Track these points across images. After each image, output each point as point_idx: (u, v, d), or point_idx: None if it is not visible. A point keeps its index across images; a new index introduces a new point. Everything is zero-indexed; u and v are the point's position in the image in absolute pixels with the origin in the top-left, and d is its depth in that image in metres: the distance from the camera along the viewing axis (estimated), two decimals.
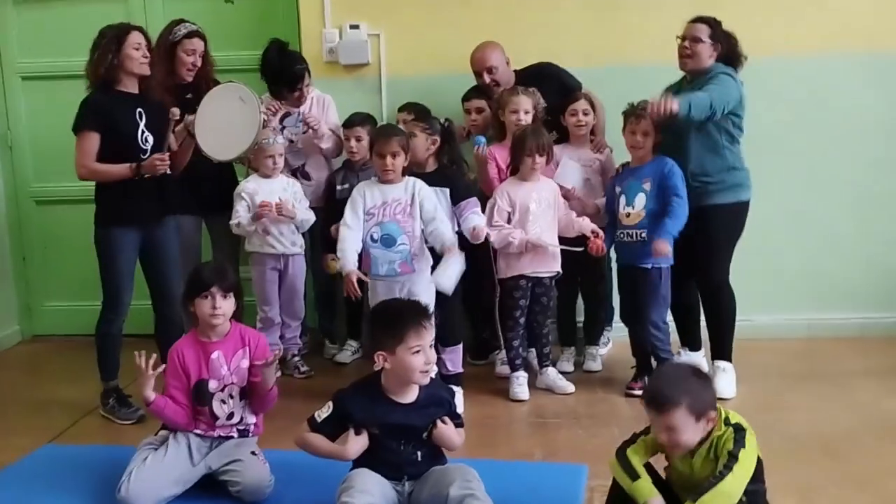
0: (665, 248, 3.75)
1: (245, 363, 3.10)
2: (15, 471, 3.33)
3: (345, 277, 3.67)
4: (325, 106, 4.52)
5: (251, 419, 3.17)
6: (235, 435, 3.12)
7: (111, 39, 3.71)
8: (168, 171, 3.78)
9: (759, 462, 2.45)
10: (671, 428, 2.40)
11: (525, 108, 4.12)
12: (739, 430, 2.44)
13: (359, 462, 2.77)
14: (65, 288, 5.29)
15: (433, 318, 2.81)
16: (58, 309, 5.34)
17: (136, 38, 3.72)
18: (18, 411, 4.10)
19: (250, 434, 3.15)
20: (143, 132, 3.77)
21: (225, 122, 3.86)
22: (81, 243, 5.08)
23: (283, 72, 4.39)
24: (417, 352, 2.69)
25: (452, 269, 3.61)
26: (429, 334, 2.72)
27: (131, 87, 3.79)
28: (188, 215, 4.32)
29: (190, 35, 4.23)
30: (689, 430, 2.40)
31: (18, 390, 4.48)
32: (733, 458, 2.38)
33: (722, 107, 3.74)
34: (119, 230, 3.81)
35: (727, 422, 2.46)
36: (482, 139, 4.11)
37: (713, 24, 3.90)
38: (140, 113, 3.77)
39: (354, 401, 2.79)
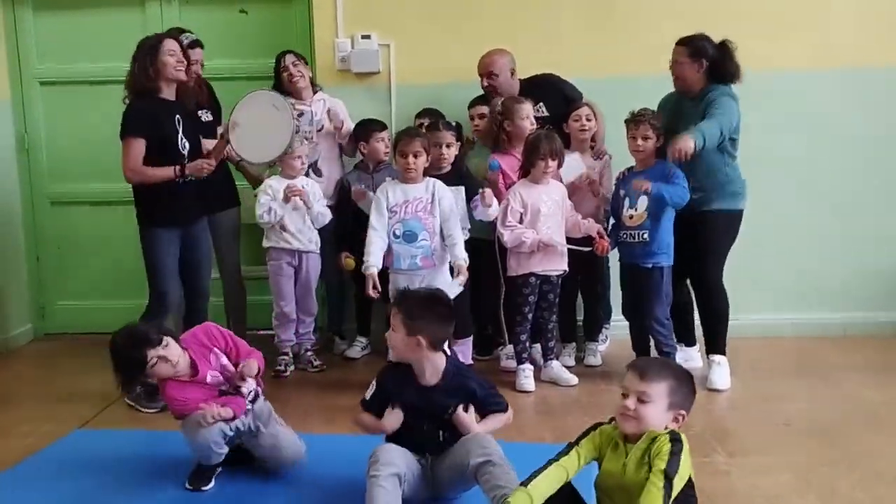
0: (646, 185, 3.94)
1: (223, 358, 3.13)
2: (50, 453, 3.49)
3: (366, 277, 3.89)
4: (335, 108, 4.68)
5: (251, 385, 3.16)
6: (251, 406, 3.15)
7: (147, 50, 3.88)
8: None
9: (690, 481, 2.37)
10: (644, 397, 2.35)
11: (530, 113, 4.36)
12: (676, 442, 2.33)
13: (387, 439, 2.93)
14: (77, 288, 5.43)
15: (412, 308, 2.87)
16: (70, 308, 5.47)
17: (169, 45, 3.90)
18: (42, 401, 4.22)
19: (259, 395, 3.20)
20: (181, 138, 3.94)
21: (260, 127, 4.01)
22: (95, 244, 5.33)
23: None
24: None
25: (456, 290, 3.84)
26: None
27: (169, 94, 3.95)
28: None
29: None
30: (658, 412, 2.36)
31: (39, 383, 4.62)
32: (668, 480, 2.27)
33: (729, 130, 3.98)
34: (163, 230, 3.96)
35: (673, 434, 2.36)
36: (497, 164, 4.32)
37: (693, 42, 4.07)
38: (178, 119, 3.94)
39: (391, 378, 2.97)
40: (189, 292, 4.15)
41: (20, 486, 3.16)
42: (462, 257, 3.95)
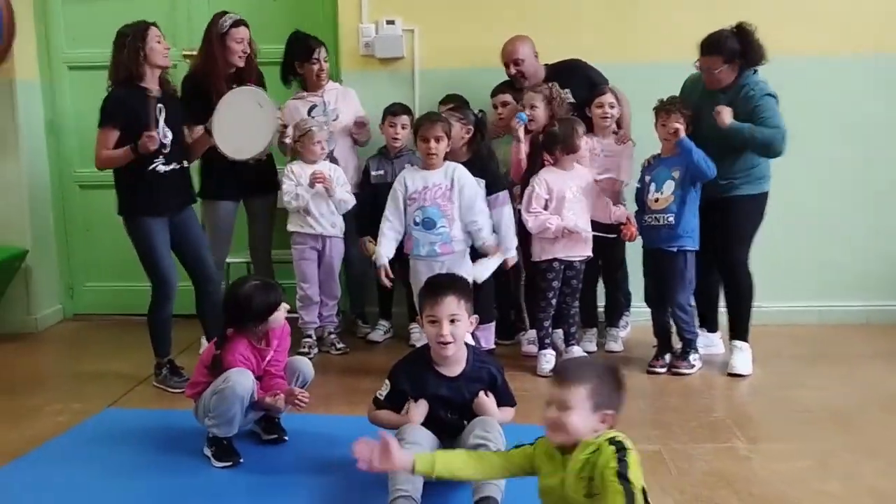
0: (681, 133, 4.00)
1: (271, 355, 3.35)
2: (82, 430, 3.57)
3: (377, 268, 3.96)
4: (348, 97, 4.75)
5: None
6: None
7: (135, 37, 3.86)
8: (162, 155, 3.94)
9: (644, 493, 2.16)
10: (564, 405, 2.22)
11: (532, 103, 4.37)
12: (622, 450, 2.17)
13: None
14: (105, 269, 5.50)
15: (461, 295, 2.88)
16: (98, 289, 5.55)
17: (156, 32, 3.90)
18: (72, 381, 4.30)
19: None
20: (162, 127, 3.92)
21: (242, 124, 4.06)
22: (122, 227, 5.37)
23: (297, 42, 4.67)
24: (432, 321, 2.84)
25: (492, 264, 3.94)
26: (445, 307, 2.82)
27: (152, 83, 3.93)
28: (225, 201, 4.55)
29: (236, 24, 4.40)
30: (582, 417, 2.22)
31: (68, 363, 4.71)
32: (623, 477, 2.12)
33: (780, 144, 4.00)
34: (146, 217, 3.97)
35: (613, 440, 2.20)
36: (524, 117, 4.35)
37: (723, 47, 4.01)
38: (160, 108, 3.92)
39: (405, 375, 2.98)
40: (197, 279, 4.17)
41: (54, 462, 3.24)
42: (490, 239, 3.99)
